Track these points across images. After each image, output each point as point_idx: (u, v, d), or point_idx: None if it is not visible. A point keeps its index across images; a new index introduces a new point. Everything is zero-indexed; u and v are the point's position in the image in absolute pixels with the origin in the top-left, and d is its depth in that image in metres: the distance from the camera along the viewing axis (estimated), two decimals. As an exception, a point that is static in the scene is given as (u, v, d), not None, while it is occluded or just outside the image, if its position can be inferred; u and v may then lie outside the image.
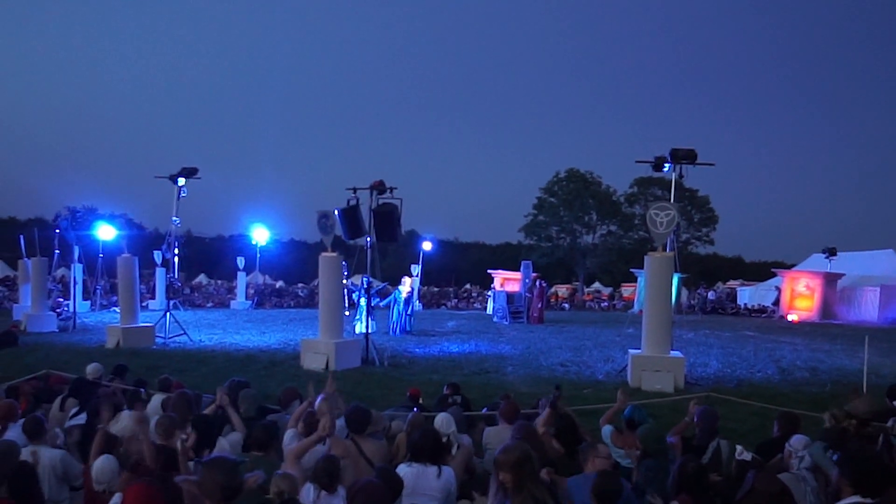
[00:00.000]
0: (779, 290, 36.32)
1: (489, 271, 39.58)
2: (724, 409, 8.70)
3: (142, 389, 8.21)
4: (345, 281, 16.81)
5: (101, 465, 5.05)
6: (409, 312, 21.10)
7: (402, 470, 5.05)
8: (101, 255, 25.64)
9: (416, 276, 33.79)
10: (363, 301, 17.59)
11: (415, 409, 7.76)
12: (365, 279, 16.81)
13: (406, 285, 21.10)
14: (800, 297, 34.29)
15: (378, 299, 18.39)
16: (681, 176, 13.71)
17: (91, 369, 9.35)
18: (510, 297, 27.58)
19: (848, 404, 6.36)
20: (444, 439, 5.64)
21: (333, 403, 6.41)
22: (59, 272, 31.86)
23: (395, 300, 20.74)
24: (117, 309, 20.04)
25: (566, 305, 42.05)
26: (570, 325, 26.07)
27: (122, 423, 6.49)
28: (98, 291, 28.42)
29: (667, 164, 13.72)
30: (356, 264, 16.38)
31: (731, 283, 48.37)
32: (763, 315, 35.73)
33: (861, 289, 33.76)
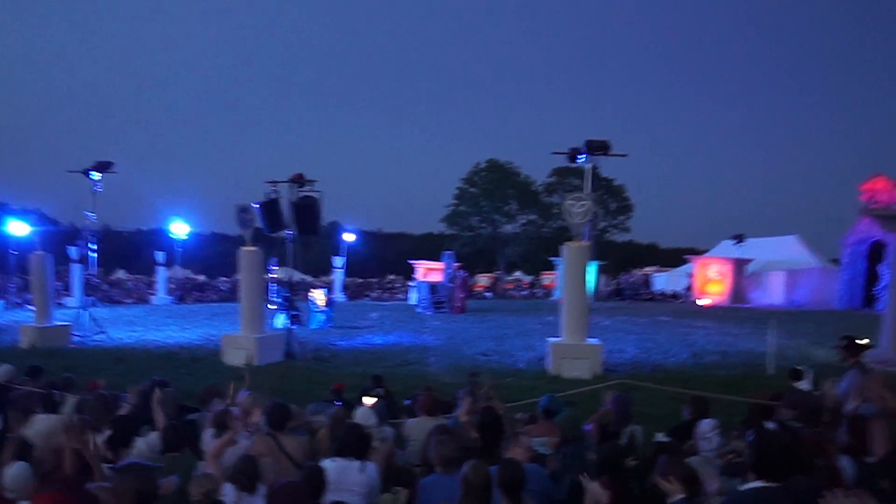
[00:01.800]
0: (691, 275, 37.54)
1: (411, 262, 39.69)
2: (639, 395, 9.01)
3: (56, 392, 7.95)
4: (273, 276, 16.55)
5: (15, 472, 4.90)
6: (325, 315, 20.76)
7: (326, 465, 5.05)
8: (14, 252, 24.66)
9: (340, 268, 33.93)
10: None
11: (338, 402, 7.77)
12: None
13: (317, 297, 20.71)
14: (711, 282, 35.55)
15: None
16: (595, 166, 13.93)
17: (2, 371, 9.01)
18: (433, 287, 27.76)
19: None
20: (367, 433, 5.67)
21: (255, 400, 6.39)
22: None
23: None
24: (31, 307, 19.31)
25: (488, 294, 42.48)
26: (491, 313, 26.41)
27: (36, 427, 6.28)
28: (10, 289, 27.36)
29: (582, 155, 13.93)
30: (278, 258, 16.23)
31: (647, 269, 49.59)
32: (677, 300, 36.83)
33: (768, 273, 35.18)
